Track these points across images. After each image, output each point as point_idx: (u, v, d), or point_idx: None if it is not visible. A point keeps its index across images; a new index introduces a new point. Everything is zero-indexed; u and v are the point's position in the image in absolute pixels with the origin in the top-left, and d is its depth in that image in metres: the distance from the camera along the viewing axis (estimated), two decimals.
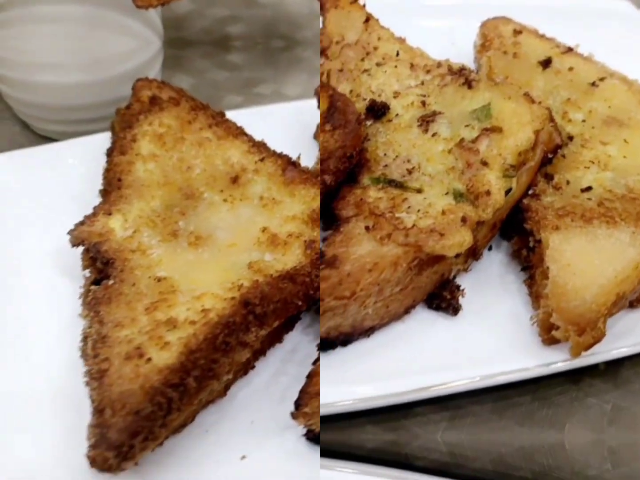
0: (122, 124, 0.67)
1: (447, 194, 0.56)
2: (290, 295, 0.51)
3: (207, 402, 0.51)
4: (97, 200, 0.62)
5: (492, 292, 0.58)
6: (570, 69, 0.69)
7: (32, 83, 0.71)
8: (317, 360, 0.51)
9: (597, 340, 0.49)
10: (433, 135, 0.61)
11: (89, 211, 0.60)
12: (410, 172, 0.59)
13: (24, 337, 0.56)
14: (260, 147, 0.63)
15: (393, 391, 0.50)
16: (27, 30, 0.68)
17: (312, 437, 0.49)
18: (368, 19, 0.72)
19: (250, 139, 0.64)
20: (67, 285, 0.59)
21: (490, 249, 0.61)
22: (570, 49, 0.71)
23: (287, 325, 0.56)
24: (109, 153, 0.64)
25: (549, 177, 0.61)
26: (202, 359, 0.47)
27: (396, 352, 0.53)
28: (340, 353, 0.53)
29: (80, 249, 0.57)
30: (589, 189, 0.59)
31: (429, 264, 0.54)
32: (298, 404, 0.48)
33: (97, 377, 0.46)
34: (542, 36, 0.73)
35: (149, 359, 0.47)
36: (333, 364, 0.52)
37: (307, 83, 0.88)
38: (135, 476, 0.47)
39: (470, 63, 0.74)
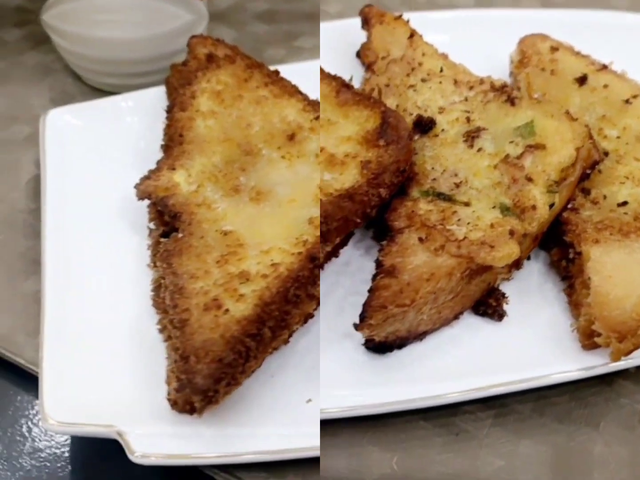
0: (180, 80, 0.71)
1: (494, 207, 0.61)
2: (350, 213, 0.57)
3: (273, 349, 0.56)
4: (157, 153, 0.66)
5: (533, 300, 0.62)
6: (605, 86, 0.73)
7: (91, 37, 0.77)
8: (377, 275, 0.56)
9: (637, 346, 0.53)
10: (478, 150, 0.65)
11: (149, 163, 0.65)
12: (457, 185, 0.63)
13: (94, 287, 0.60)
14: (314, 105, 0.68)
15: (443, 392, 0.54)
16: None
17: (371, 346, 0.55)
18: (412, 34, 0.76)
19: (305, 97, 0.69)
20: (133, 235, 0.64)
21: (529, 258, 0.65)
22: (604, 67, 0.75)
23: (344, 241, 0.62)
24: (169, 109, 0.69)
25: (586, 192, 0.65)
26: (275, 310, 0.52)
27: (447, 355, 0.58)
28: (395, 355, 0.58)
29: (145, 202, 0.61)
30: (625, 203, 0.63)
31: (479, 273, 0.58)
32: (363, 317, 0.53)
33: (179, 326, 0.51)
34: (578, 53, 0.76)
35: (227, 310, 0.52)
36: (390, 364, 0.57)
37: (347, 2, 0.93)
38: (210, 417, 0.52)
39: (504, 76, 0.78)
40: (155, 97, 0.74)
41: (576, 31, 0.81)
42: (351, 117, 0.65)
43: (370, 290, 0.55)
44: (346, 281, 0.62)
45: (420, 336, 0.58)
